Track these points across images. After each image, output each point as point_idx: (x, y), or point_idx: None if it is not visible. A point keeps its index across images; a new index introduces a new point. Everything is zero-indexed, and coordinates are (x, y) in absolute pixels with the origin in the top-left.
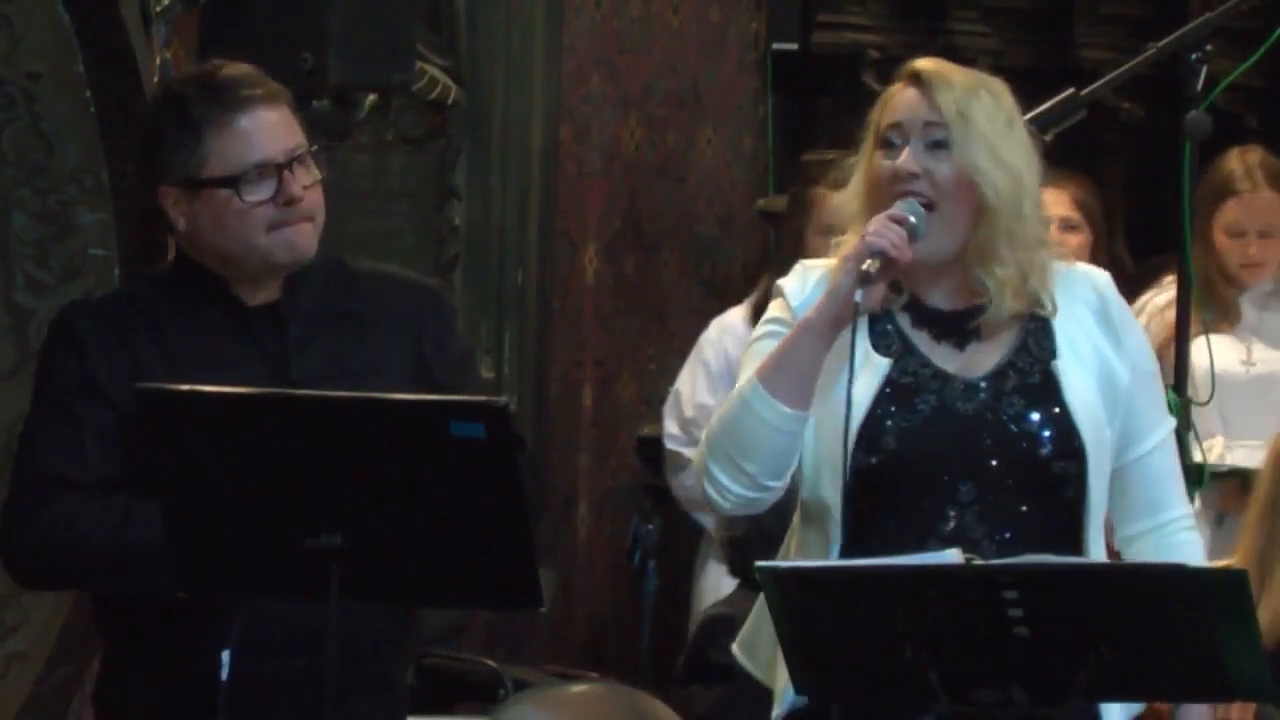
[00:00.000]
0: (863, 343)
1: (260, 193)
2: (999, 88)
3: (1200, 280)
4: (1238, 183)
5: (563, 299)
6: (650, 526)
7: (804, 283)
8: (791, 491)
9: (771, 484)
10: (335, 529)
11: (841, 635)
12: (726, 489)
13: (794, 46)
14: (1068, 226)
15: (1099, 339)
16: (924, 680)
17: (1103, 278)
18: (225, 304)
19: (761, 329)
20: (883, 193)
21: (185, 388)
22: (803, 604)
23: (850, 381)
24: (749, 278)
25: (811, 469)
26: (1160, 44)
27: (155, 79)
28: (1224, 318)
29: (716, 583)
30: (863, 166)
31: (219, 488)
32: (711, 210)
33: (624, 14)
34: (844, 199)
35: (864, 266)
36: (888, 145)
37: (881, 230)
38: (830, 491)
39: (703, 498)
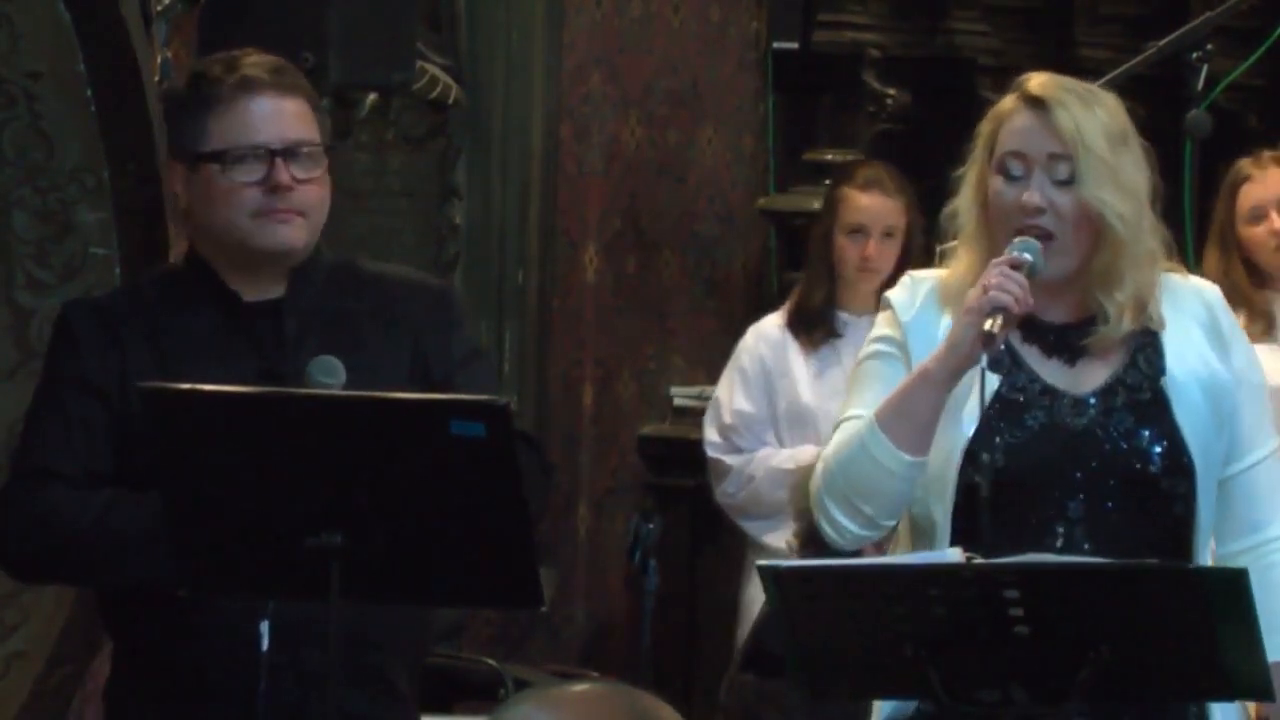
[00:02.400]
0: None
1: (248, 174)
2: (1110, 101)
3: (1227, 290)
4: (1247, 169)
5: (563, 299)
6: (650, 526)
7: (913, 296)
8: None
9: (886, 523)
10: (335, 529)
11: (841, 635)
12: (844, 528)
13: (794, 45)
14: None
15: (1208, 353)
16: (924, 680)
17: (1212, 292)
18: (222, 300)
19: (870, 347)
20: (1005, 224)
21: (185, 387)
22: (803, 604)
23: (967, 438)
24: (749, 277)
25: (920, 485)
26: (1160, 44)
27: (155, 79)
28: (1258, 325)
29: (760, 591)
30: (974, 183)
31: (219, 487)
32: (711, 210)
33: (624, 14)
34: (955, 210)
35: (986, 327)
36: (1008, 175)
37: (1003, 284)
38: (939, 510)
39: (744, 504)
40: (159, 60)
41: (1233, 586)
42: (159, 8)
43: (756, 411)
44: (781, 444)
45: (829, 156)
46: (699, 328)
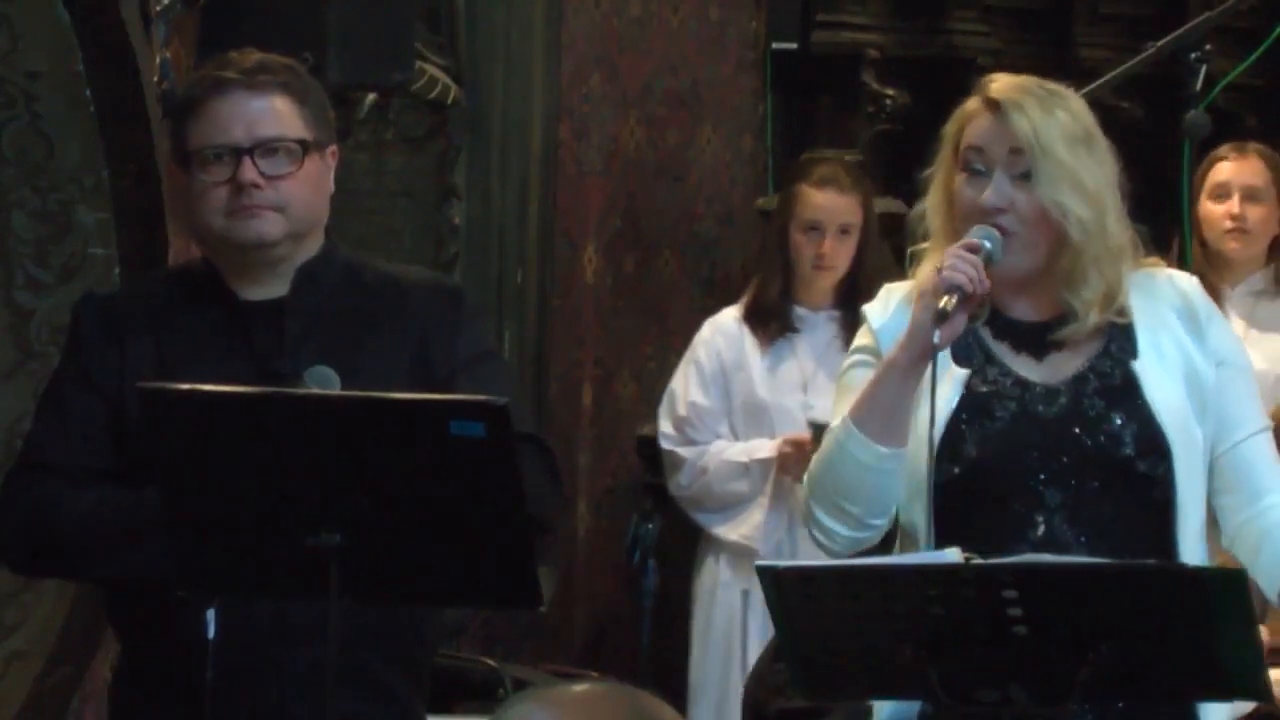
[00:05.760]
0: (945, 360)
1: (218, 174)
2: (1074, 102)
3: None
4: (1226, 150)
5: (562, 298)
6: (650, 526)
7: (885, 306)
8: None
9: (875, 522)
10: (335, 529)
11: (841, 635)
12: (833, 532)
13: (793, 46)
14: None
15: (1183, 339)
16: (924, 680)
17: (1188, 281)
18: (224, 299)
19: (850, 359)
20: (968, 222)
21: (185, 387)
22: (803, 604)
23: (931, 424)
24: (749, 277)
25: (904, 494)
26: (1160, 43)
27: (155, 79)
28: None
29: (714, 582)
30: (941, 183)
31: (219, 487)
32: (711, 210)
33: (624, 13)
34: (923, 211)
35: (940, 305)
36: (971, 170)
37: (957, 264)
38: (919, 511)
39: (697, 496)
40: (158, 60)
41: (1232, 586)
42: (159, 8)
43: (711, 404)
44: (736, 437)
45: (828, 157)
46: (698, 328)
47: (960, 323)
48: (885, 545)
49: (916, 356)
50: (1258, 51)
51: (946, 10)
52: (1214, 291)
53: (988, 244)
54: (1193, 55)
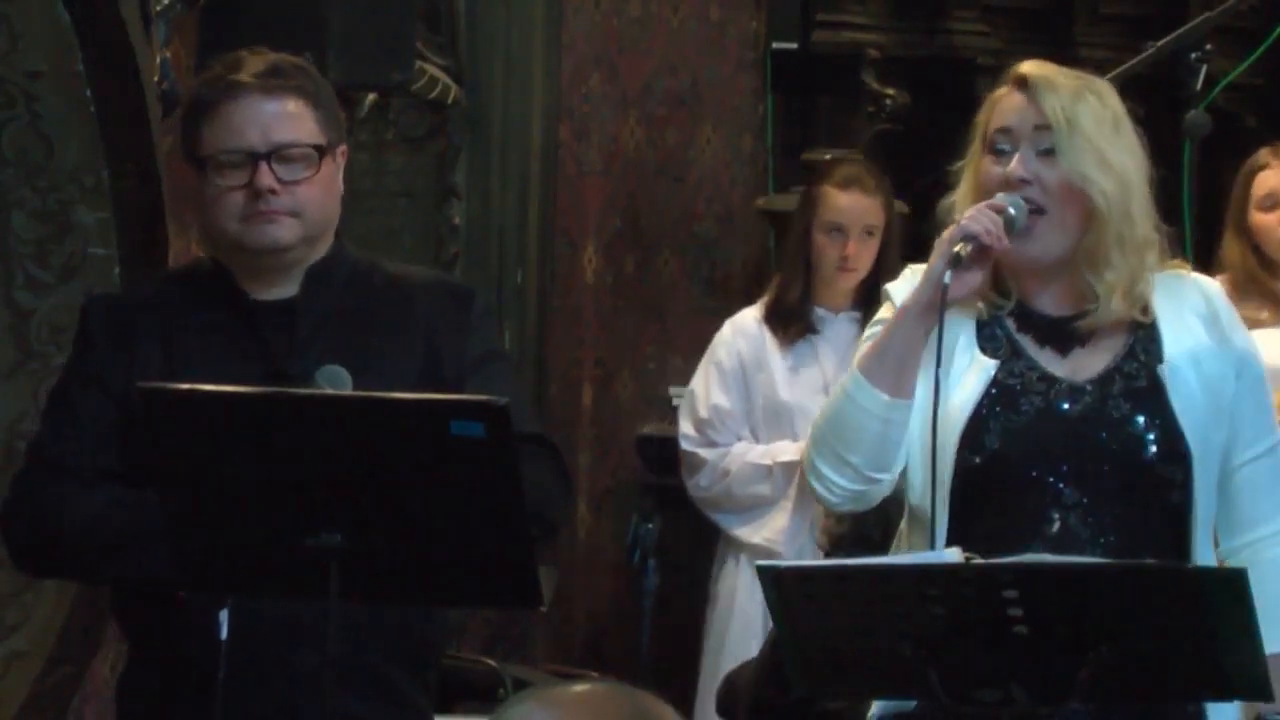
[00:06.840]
0: (971, 346)
1: (234, 179)
2: (1104, 88)
3: (1242, 276)
4: (1265, 157)
5: (562, 298)
6: (650, 526)
7: (911, 286)
8: (895, 499)
9: (877, 476)
10: (335, 529)
11: (841, 635)
12: (832, 483)
13: (793, 45)
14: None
15: (1206, 345)
16: (924, 680)
17: (1213, 286)
18: (233, 299)
19: (869, 331)
20: (992, 197)
21: (185, 387)
22: (803, 604)
23: (938, 366)
24: (749, 277)
25: (919, 474)
26: (1160, 43)
27: (155, 79)
28: (1268, 309)
29: (734, 583)
30: (971, 170)
31: (219, 487)
32: (711, 210)
33: (624, 13)
34: (951, 204)
35: (955, 249)
36: (997, 151)
37: (977, 216)
38: (937, 496)
39: (718, 498)
40: (159, 60)
41: (1232, 586)
42: (159, 8)
43: (732, 406)
44: (757, 439)
45: (828, 157)
46: (698, 328)
47: (975, 277)
48: (884, 546)
49: (927, 303)
50: (1258, 51)
51: (946, 10)
52: (1270, 293)
53: (1011, 209)
54: (1193, 55)
